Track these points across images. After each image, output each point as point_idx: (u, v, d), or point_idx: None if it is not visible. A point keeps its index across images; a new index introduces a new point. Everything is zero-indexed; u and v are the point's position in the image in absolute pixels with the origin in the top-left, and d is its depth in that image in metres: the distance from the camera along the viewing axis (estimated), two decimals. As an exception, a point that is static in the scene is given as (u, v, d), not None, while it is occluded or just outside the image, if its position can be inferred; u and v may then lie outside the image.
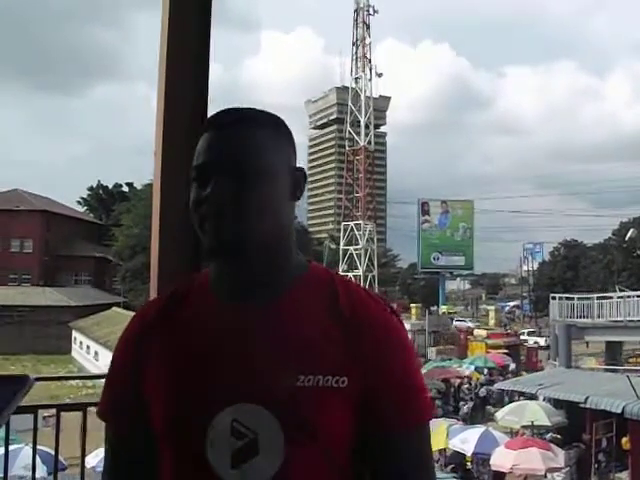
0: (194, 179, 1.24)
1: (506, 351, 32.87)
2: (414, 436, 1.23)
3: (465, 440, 14.71)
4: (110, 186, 71.90)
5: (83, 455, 3.19)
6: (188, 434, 1.19)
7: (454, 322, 47.59)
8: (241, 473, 1.17)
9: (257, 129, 1.24)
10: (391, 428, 1.21)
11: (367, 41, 64.96)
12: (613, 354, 25.91)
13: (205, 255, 1.26)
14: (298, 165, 1.31)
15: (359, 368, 1.19)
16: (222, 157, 1.21)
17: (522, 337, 41.40)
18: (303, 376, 1.17)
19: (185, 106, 2.45)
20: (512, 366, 30.51)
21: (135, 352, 1.29)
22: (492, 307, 65.00)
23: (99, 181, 72.77)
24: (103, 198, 69.94)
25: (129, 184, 68.42)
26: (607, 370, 22.69)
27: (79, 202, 71.04)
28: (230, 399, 1.18)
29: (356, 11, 65.35)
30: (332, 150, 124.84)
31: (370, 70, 64.70)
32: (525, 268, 74.05)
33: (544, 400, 17.84)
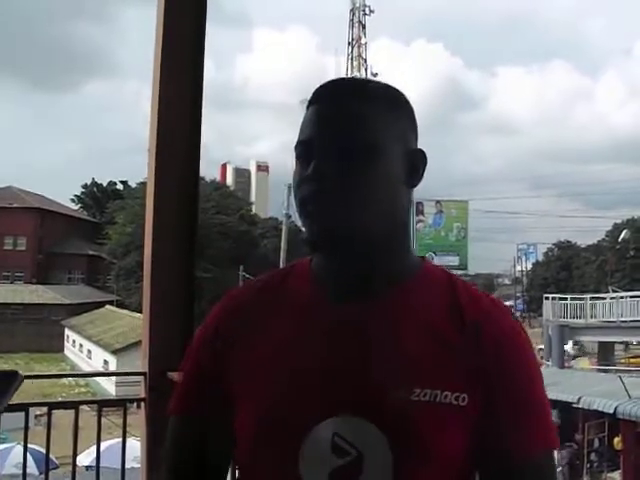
0: (297, 157, 1.12)
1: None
2: (542, 465, 1.08)
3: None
4: (104, 184, 71.71)
5: (75, 454, 3.18)
6: (280, 444, 1.05)
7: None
8: None
9: (368, 102, 1.10)
10: (517, 455, 1.05)
11: (363, 41, 64.99)
12: (605, 354, 25.98)
13: (304, 243, 1.12)
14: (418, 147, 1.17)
15: (481, 385, 1.04)
16: (326, 132, 1.08)
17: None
18: (419, 389, 1.02)
19: (179, 104, 2.45)
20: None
21: (219, 343, 1.15)
22: (486, 307, 64.93)
23: (93, 179, 72.54)
24: (97, 196, 69.68)
25: (123, 182, 68.22)
26: (600, 370, 22.73)
27: (73, 200, 70.76)
28: (333, 409, 1.03)
29: (352, 11, 65.33)
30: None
31: (366, 70, 64.65)
32: (519, 268, 74.14)
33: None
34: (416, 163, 1.13)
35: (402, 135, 1.13)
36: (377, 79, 1.22)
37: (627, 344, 32.92)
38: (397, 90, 1.17)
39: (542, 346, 25.66)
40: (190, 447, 1.16)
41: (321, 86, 1.14)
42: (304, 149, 1.10)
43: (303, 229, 1.11)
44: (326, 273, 1.14)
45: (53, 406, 3.19)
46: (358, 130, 1.07)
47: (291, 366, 1.07)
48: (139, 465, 3.15)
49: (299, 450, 1.03)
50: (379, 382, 1.03)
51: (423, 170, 1.14)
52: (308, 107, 1.14)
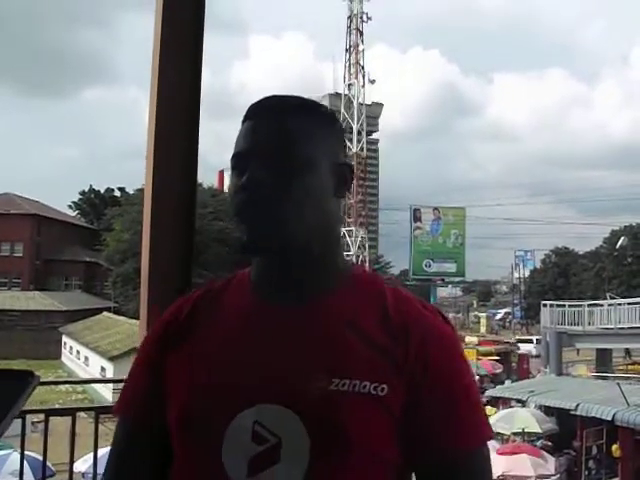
0: (233, 168, 1.18)
1: (497, 358, 32.89)
2: (473, 459, 1.12)
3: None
4: (102, 191, 71.75)
5: (72, 461, 3.17)
6: (205, 434, 1.10)
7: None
8: None
9: (299, 118, 1.17)
10: (447, 450, 1.09)
11: (360, 48, 65.08)
12: (604, 361, 25.97)
13: (238, 249, 1.17)
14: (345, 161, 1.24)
15: (404, 378, 1.09)
16: (259, 144, 1.15)
17: (520, 344, 41.38)
18: (338, 379, 1.07)
19: (177, 110, 2.44)
20: (503, 374, 30.57)
21: (160, 349, 1.21)
22: (483, 314, 65.18)
23: (91, 185, 72.64)
24: (95, 203, 69.74)
25: (121, 189, 68.30)
26: (597, 377, 22.73)
27: (70, 206, 70.85)
28: (254, 398, 1.08)
29: (349, 18, 65.44)
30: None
31: (363, 77, 64.83)
32: (516, 275, 74.28)
33: (535, 407, 17.88)
34: (344, 176, 1.21)
35: (331, 150, 1.20)
36: (311, 98, 1.27)
37: (628, 351, 32.89)
38: (327, 109, 1.26)
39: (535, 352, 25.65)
40: (133, 449, 1.21)
41: (255, 102, 1.21)
42: (238, 160, 1.17)
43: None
44: (260, 278, 1.20)
45: (50, 413, 3.17)
46: (290, 143, 1.14)
47: (214, 362, 1.14)
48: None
49: (222, 439, 1.08)
50: (299, 372, 1.08)
51: (350, 182, 1.22)
52: (243, 122, 1.21)
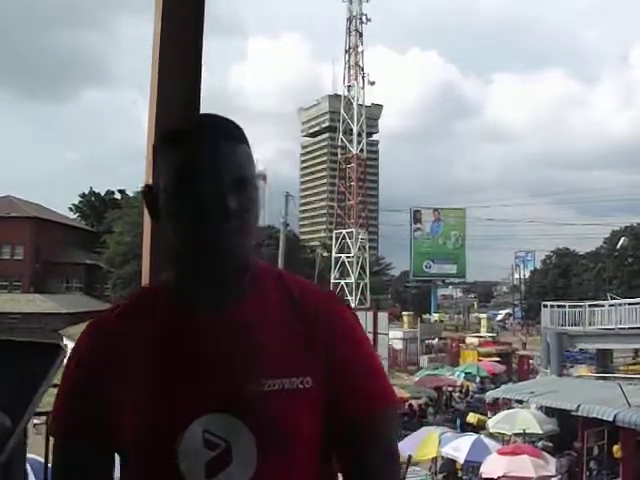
0: (175, 190, 1.17)
1: (498, 359, 32.90)
2: (381, 422, 1.25)
3: (457, 448, 14.69)
4: (102, 193, 71.78)
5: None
6: (159, 449, 1.16)
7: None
8: None
9: (235, 140, 1.22)
10: (357, 416, 1.23)
11: (360, 49, 65.12)
12: (604, 362, 25.96)
13: (183, 265, 1.23)
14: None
15: (320, 365, 1.20)
16: (218, 168, 1.18)
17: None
18: (269, 381, 1.17)
19: (177, 111, 2.44)
20: (504, 375, 30.58)
21: (96, 368, 1.23)
22: (484, 315, 65.05)
23: (91, 188, 72.67)
24: (95, 205, 69.78)
25: (121, 191, 68.35)
26: (598, 378, 22.72)
27: (71, 209, 70.91)
28: (199, 410, 1.16)
29: (349, 19, 65.50)
30: (324, 158, 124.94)
31: (363, 78, 64.85)
32: (517, 276, 74.29)
33: (536, 408, 17.87)
34: (262, 186, 1.33)
35: (254, 164, 1.26)
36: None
37: (638, 351, 32.76)
38: (238, 124, 1.28)
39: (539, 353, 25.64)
40: (75, 465, 1.24)
41: (185, 126, 1.24)
42: (182, 184, 1.17)
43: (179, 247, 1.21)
44: (185, 288, 1.24)
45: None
46: (240, 165, 1.20)
47: (157, 380, 1.18)
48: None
49: (177, 450, 1.14)
50: (235, 380, 1.17)
51: (263, 191, 1.30)
52: (170, 144, 1.22)
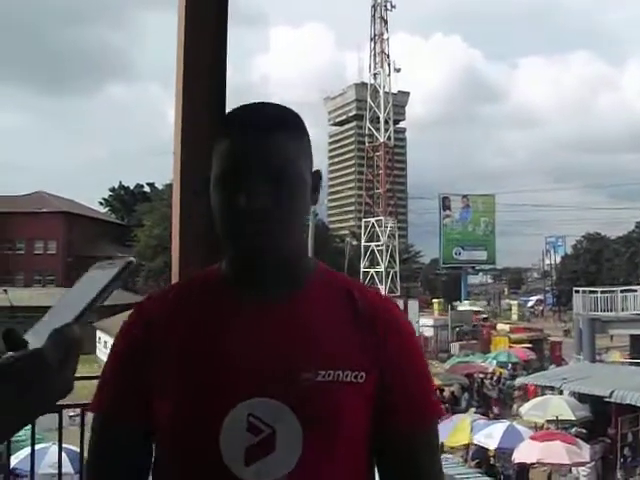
0: (224, 184, 1.17)
1: (529, 345, 32.68)
2: (434, 432, 1.28)
3: (489, 435, 14.65)
4: (131, 187, 72.36)
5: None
6: (201, 429, 1.14)
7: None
8: (256, 470, 1.12)
9: (289, 132, 1.19)
10: (412, 425, 1.22)
11: (385, 36, 64.86)
12: (638, 347, 25.67)
13: (234, 260, 1.24)
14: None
15: (377, 366, 1.19)
16: (260, 161, 1.15)
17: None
18: (323, 371, 1.15)
19: (203, 105, 2.46)
20: (536, 361, 30.40)
21: (140, 348, 1.22)
22: (515, 302, 64.70)
23: (120, 182, 73.31)
24: (125, 199, 70.37)
25: (150, 184, 68.82)
26: (632, 364, 22.47)
27: (101, 203, 71.62)
28: (246, 393, 1.13)
29: (374, 7, 65.21)
30: (352, 147, 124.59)
31: (388, 65, 64.59)
32: (547, 262, 73.66)
33: (569, 395, 17.75)
34: (317, 183, 1.26)
35: (309, 159, 1.24)
36: (278, 103, 1.27)
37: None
38: (298, 114, 1.26)
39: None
40: (115, 447, 1.22)
41: (237, 114, 1.22)
42: (232, 176, 1.16)
43: (226, 238, 1.19)
44: (237, 278, 1.23)
45: (86, 407, 3.24)
46: (287, 161, 1.17)
47: (204, 361, 1.17)
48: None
49: (219, 432, 1.12)
50: (287, 367, 1.15)
51: (320, 189, 1.28)
52: (223, 134, 1.19)
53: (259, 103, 1.23)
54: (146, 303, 1.29)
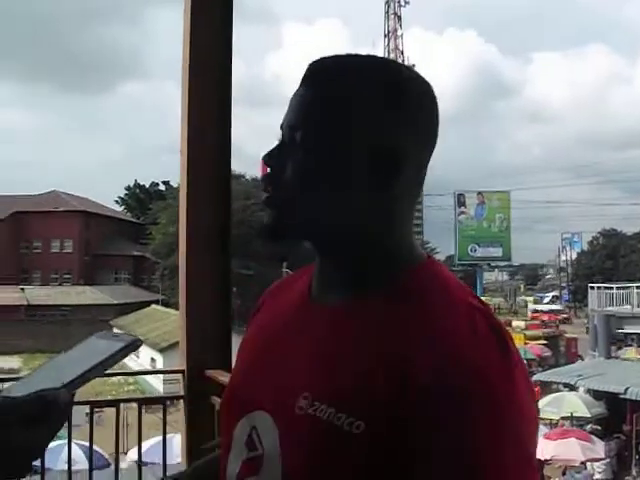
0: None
1: (545, 342, 32.55)
2: None
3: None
4: (147, 185, 72.57)
5: (117, 451, 3.29)
6: (226, 427, 1.09)
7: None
8: None
9: (341, 86, 0.98)
10: None
11: (399, 32, 64.69)
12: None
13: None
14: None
15: (392, 421, 0.85)
16: (286, 120, 1.01)
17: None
18: (318, 403, 0.93)
19: (209, 104, 2.49)
20: (552, 357, 30.31)
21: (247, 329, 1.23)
22: (531, 298, 64.38)
23: (136, 180, 73.44)
24: (140, 197, 70.48)
25: (165, 182, 68.86)
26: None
27: (117, 201, 71.80)
28: (259, 403, 1.01)
29: (387, 3, 65.04)
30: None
31: (403, 61, 64.33)
32: (563, 258, 73.20)
33: (584, 391, 17.69)
34: (385, 164, 0.96)
35: (378, 130, 0.97)
36: (404, 62, 1.15)
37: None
38: (407, 77, 1.01)
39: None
40: None
41: (311, 62, 1.03)
42: (281, 134, 1.03)
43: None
44: (314, 274, 1.08)
45: (95, 405, 3.30)
46: (307, 120, 0.98)
47: (245, 359, 1.14)
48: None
49: (232, 436, 1.05)
50: (292, 387, 0.97)
51: (399, 172, 0.97)
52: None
53: (344, 55, 1.03)
54: (265, 291, 1.26)
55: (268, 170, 1.01)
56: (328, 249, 1.02)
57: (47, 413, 0.87)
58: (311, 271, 1.09)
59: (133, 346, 0.98)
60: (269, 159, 1.01)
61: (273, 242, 1.04)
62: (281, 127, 1.03)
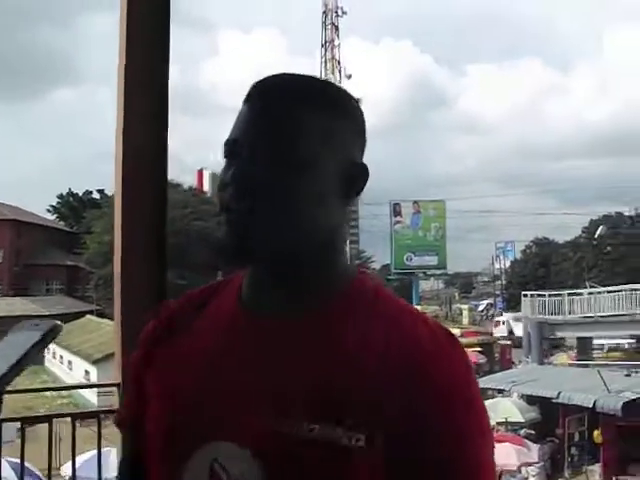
0: (224, 156, 1.02)
1: (480, 349, 33.07)
2: None
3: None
4: (80, 193, 71.25)
5: (50, 466, 3.22)
6: (167, 462, 1.00)
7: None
8: None
9: (305, 104, 1.00)
10: None
11: (336, 42, 65.05)
12: (584, 349, 26.20)
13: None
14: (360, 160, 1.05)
15: (389, 427, 0.89)
16: (253, 133, 0.99)
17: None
18: (307, 422, 0.90)
19: (144, 111, 2.45)
20: (486, 364, 30.79)
21: (141, 360, 1.11)
22: (466, 306, 65.39)
23: (69, 189, 71.96)
24: (74, 206, 69.16)
25: (100, 191, 67.76)
26: (578, 365, 22.92)
27: (49, 210, 70.23)
28: (216, 433, 0.95)
29: (324, 13, 65.37)
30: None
31: (340, 72, 64.75)
32: (497, 266, 74.62)
33: (518, 397, 18.02)
34: (355, 177, 1.03)
35: (341, 145, 1.02)
36: (331, 81, 1.16)
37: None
38: (346, 96, 1.06)
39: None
40: (128, 460, 1.16)
41: (259, 81, 1.04)
42: (229, 149, 1.01)
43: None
44: (248, 287, 1.05)
45: (26, 421, 3.21)
46: (289, 135, 0.97)
47: (185, 384, 1.01)
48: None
49: (183, 471, 0.97)
50: (268, 412, 0.92)
51: (362, 184, 1.04)
52: (243, 103, 1.04)
53: (289, 74, 1.06)
54: (159, 311, 1.16)
55: (229, 186, 0.98)
56: (288, 266, 1.01)
57: None
58: (231, 285, 1.09)
59: (53, 331, 0.96)
60: (237, 176, 0.98)
61: (238, 262, 1.03)
62: (229, 143, 1.02)
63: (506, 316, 49.30)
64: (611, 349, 30.85)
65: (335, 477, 0.89)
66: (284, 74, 1.05)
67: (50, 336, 0.95)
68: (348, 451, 0.89)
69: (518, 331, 42.70)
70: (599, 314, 24.40)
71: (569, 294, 26.48)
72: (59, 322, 0.99)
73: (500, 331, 44.18)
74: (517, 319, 47.44)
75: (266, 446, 0.91)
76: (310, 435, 0.90)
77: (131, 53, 2.46)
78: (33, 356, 0.93)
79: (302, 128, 0.98)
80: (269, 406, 0.93)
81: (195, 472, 0.96)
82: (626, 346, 31.45)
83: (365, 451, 0.88)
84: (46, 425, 3.13)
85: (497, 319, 52.94)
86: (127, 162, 2.47)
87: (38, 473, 10.07)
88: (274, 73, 1.05)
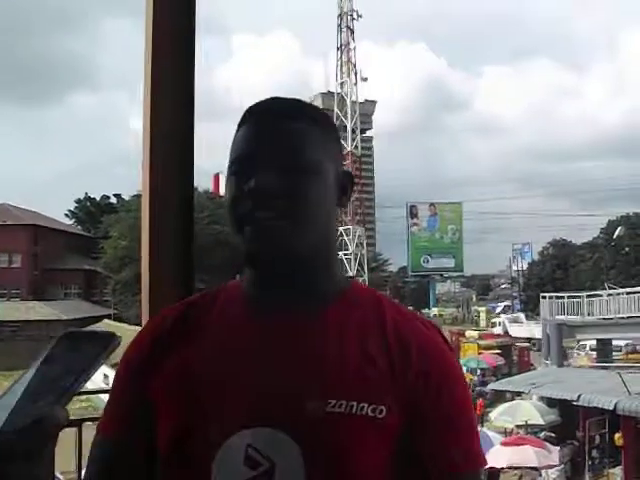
0: (233, 173, 1.11)
1: (498, 351, 32.94)
2: None
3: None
4: (97, 198, 71.69)
5: (79, 471, 3.22)
6: (196, 456, 1.03)
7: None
8: None
9: (305, 122, 1.12)
10: (445, 472, 1.04)
11: (352, 45, 65.21)
12: (604, 351, 26.02)
13: (244, 260, 1.12)
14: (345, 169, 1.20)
15: (402, 400, 1.03)
16: (267, 148, 1.08)
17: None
18: (334, 400, 1.01)
19: (171, 114, 2.46)
20: (505, 367, 30.70)
21: (145, 361, 1.13)
22: (483, 308, 65.23)
23: (86, 193, 72.53)
24: (91, 210, 69.62)
25: (117, 195, 68.28)
26: (599, 367, 22.77)
27: (67, 215, 70.77)
28: (248, 421, 1.01)
29: (340, 16, 65.54)
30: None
31: (355, 74, 64.90)
32: (515, 268, 74.35)
33: (537, 399, 17.93)
34: (345, 185, 1.17)
35: (334, 157, 1.16)
36: (303, 97, 1.26)
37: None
38: (326, 113, 1.23)
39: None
40: (114, 469, 1.12)
41: (255, 105, 1.16)
42: (241, 165, 1.10)
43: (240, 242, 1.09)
44: (255, 290, 1.14)
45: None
46: (301, 149, 1.09)
47: (209, 379, 1.06)
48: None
49: (212, 462, 1.01)
50: (294, 393, 1.02)
51: (351, 192, 1.19)
52: (241, 125, 1.15)
53: (280, 97, 1.18)
54: (157, 318, 1.21)
55: (248, 198, 1.06)
56: (301, 267, 1.10)
57: (46, 441, 0.80)
58: (230, 290, 1.18)
59: (112, 345, 0.94)
60: (260, 187, 1.05)
61: (270, 267, 1.10)
62: (241, 159, 1.10)
63: (502, 317, 50.74)
64: (629, 352, 30.58)
65: (360, 443, 1.01)
66: (274, 97, 1.17)
67: (110, 350, 0.93)
68: (372, 421, 1.01)
69: (513, 332, 43.35)
70: (619, 315, 24.23)
71: (588, 296, 26.32)
72: (119, 336, 0.96)
73: (497, 331, 44.90)
74: (513, 320, 48.26)
75: (299, 426, 1.00)
76: (339, 409, 1.01)
77: (157, 60, 2.46)
78: (92, 373, 0.90)
79: (306, 140, 1.10)
80: (294, 390, 1.02)
81: (228, 460, 1.01)
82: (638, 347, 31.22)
83: (387, 421, 1.02)
84: (66, 430, 3.14)
85: (493, 320, 53.20)
86: (154, 166, 2.48)
87: (60, 476, 10.13)
88: (263, 98, 1.18)
